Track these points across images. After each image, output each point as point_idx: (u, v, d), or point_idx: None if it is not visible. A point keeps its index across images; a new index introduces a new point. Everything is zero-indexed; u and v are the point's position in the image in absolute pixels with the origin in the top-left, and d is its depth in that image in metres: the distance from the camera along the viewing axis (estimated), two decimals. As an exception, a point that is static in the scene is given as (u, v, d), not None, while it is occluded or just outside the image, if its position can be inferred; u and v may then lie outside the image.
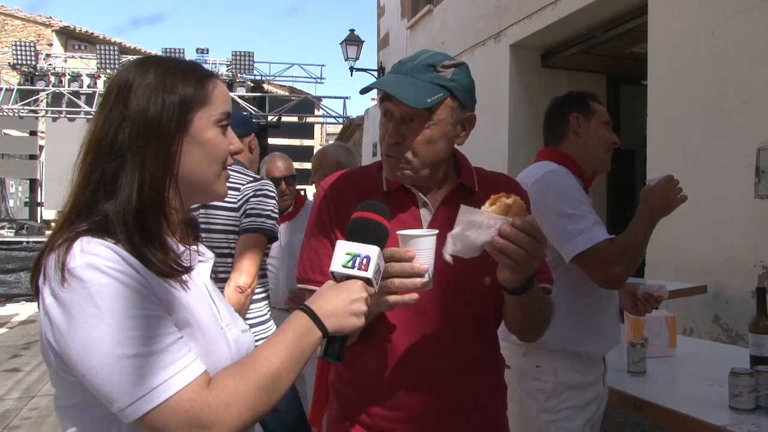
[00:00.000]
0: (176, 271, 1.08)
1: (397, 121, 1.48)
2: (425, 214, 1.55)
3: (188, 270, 1.11)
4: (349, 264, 1.18)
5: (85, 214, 1.06)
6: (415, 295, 1.29)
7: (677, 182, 2.16)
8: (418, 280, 1.26)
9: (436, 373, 1.49)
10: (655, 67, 5.78)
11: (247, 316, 2.57)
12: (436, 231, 1.31)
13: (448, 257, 1.29)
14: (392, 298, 1.28)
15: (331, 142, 16.68)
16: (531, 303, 1.46)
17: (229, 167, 1.21)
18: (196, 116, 1.13)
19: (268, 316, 2.77)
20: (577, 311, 2.15)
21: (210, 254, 1.26)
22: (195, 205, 2.46)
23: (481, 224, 1.25)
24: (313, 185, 3.67)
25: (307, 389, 3.62)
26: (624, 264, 2.07)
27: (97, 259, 0.98)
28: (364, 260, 1.18)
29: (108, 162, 1.08)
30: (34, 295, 1.06)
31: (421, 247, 1.27)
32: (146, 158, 1.08)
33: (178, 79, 1.12)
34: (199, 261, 1.21)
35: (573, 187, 2.18)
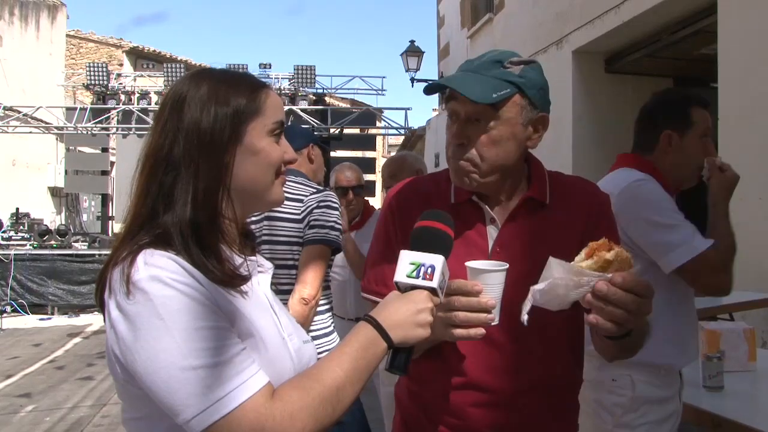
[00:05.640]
0: (234, 279, 1.08)
1: (462, 122, 1.41)
2: (492, 231, 1.47)
3: (246, 278, 1.11)
4: (414, 274, 1.15)
5: (147, 227, 1.08)
6: (481, 330, 1.22)
7: (721, 164, 2.11)
8: (483, 315, 1.21)
9: (500, 393, 1.43)
10: (725, 68, 5.57)
11: (311, 328, 2.58)
12: (506, 266, 1.24)
13: (525, 317, 1.21)
14: (457, 332, 1.23)
15: (392, 154, 16.58)
16: (630, 341, 1.33)
17: (290, 178, 1.20)
18: (249, 127, 1.13)
19: (331, 328, 2.76)
20: (657, 322, 2.05)
21: (269, 265, 1.26)
22: (258, 217, 2.53)
23: (573, 282, 1.15)
24: (385, 191, 3.69)
25: (375, 401, 3.61)
26: (729, 270, 2.00)
27: (160, 272, 0.99)
28: (429, 270, 1.15)
29: (165, 174, 1.09)
30: (99, 308, 1.07)
31: (489, 282, 1.22)
32: (200, 170, 1.09)
33: (230, 91, 1.13)
34: (259, 272, 1.21)
35: (664, 196, 2.08)
